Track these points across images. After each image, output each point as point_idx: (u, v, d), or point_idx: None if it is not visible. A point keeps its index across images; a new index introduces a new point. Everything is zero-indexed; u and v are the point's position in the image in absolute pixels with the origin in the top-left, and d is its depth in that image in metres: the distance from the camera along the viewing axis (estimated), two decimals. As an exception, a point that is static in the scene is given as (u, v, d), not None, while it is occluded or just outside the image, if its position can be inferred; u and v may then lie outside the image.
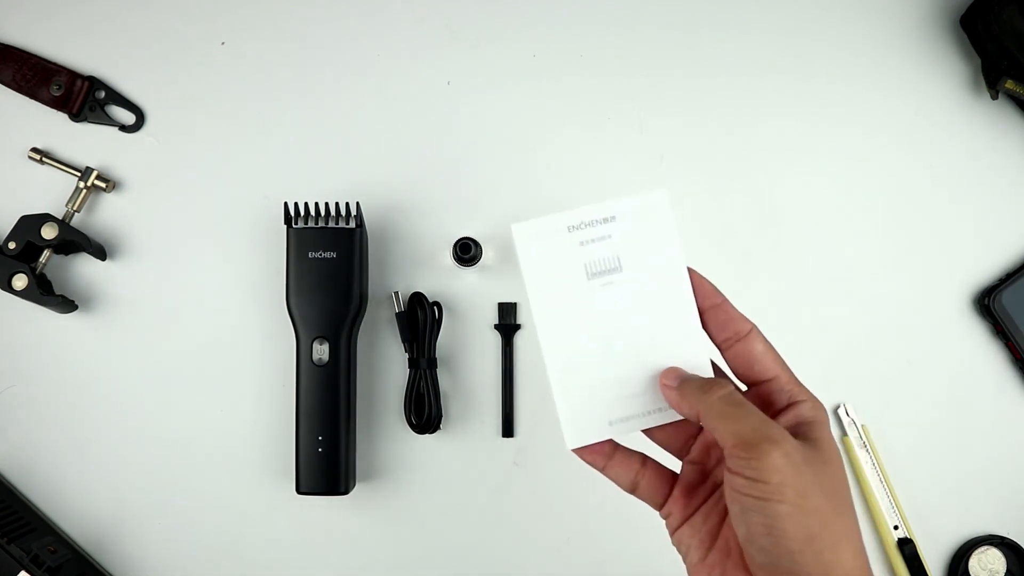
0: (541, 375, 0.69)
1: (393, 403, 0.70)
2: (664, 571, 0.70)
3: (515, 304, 0.70)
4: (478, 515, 0.70)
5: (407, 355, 0.69)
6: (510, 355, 0.70)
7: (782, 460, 0.41)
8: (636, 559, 0.69)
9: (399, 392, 0.70)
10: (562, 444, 0.52)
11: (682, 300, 0.49)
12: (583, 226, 0.49)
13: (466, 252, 0.68)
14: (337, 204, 0.66)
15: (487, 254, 0.70)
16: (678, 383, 0.46)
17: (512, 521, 0.70)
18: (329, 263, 0.66)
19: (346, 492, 0.66)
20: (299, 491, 0.66)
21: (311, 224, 0.66)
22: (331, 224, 0.66)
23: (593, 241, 0.49)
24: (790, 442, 0.42)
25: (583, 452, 0.49)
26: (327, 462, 0.66)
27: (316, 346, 0.66)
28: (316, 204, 0.66)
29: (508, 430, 0.70)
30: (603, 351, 0.49)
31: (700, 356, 0.49)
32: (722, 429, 0.43)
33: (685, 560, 0.47)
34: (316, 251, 0.66)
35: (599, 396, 0.49)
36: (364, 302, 0.68)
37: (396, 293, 0.69)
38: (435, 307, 0.69)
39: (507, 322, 0.70)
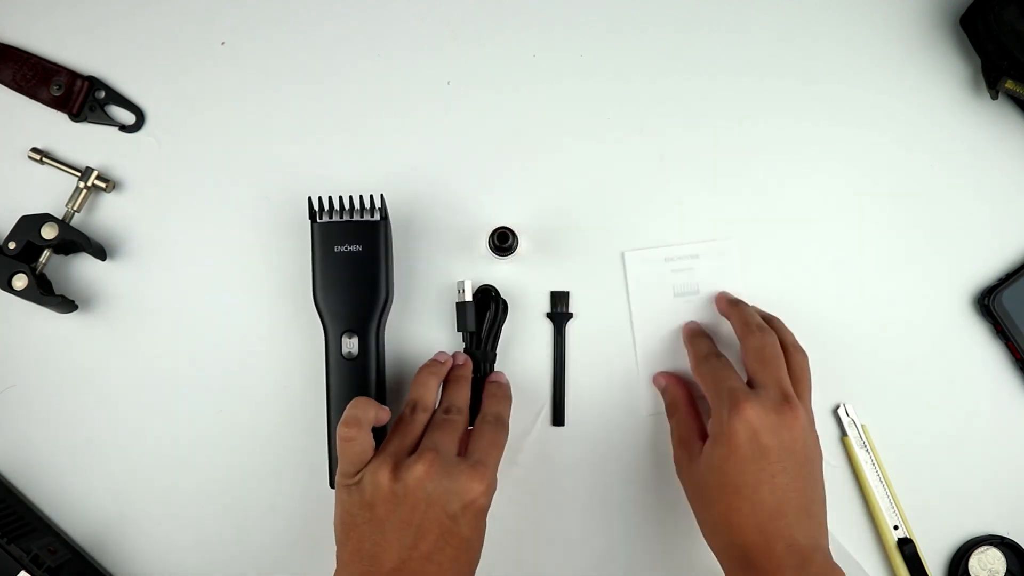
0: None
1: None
2: (666, 570, 0.70)
3: (567, 293, 0.70)
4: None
5: (464, 345, 0.68)
6: (562, 344, 0.70)
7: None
8: (638, 559, 0.69)
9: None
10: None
11: None
12: (675, 259, 0.70)
13: (503, 241, 0.67)
14: (361, 197, 0.66)
15: (523, 244, 0.70)
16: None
17: (513, 521, 0.70)
18: (355, 256, 0.66)
19: None
20: (333, 486, 0.65)
21: (335, 218, 0.66)
22: (355, 217, 0.66)
23: (681, 270, 0.70)
24: None
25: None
26: None
27: (345, 340, 0.66)
28: (340, 198, 0.66)
29: (559, 418, 0.70)
30: (678, 348, 0.69)
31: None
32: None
33: None
34: (341, 245, 0.65)
35: None
36: (390, 294, 0.67)
37: (462, 282, 0.68)
38: (503, 303, 0.69)
39: (559, 311, 0.70)
